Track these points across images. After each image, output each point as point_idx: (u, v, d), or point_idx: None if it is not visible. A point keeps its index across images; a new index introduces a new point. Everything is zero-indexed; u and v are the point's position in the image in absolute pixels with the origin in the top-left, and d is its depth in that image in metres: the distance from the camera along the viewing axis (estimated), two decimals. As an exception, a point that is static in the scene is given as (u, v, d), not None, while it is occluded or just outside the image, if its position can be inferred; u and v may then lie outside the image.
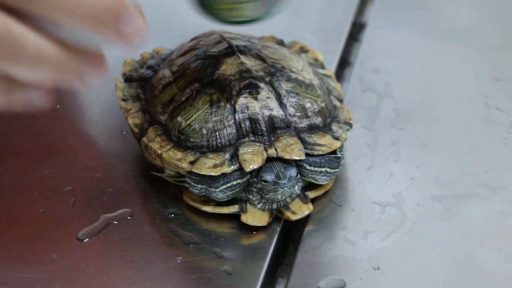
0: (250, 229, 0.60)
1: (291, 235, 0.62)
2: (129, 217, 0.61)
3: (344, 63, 0.83)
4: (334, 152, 0.61)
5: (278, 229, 0.60)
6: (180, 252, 0.58)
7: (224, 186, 0.59)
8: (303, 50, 0.71)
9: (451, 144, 0.69)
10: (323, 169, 0.60)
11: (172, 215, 0.61)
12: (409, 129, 0.71)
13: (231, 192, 0.59)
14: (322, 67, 0.71)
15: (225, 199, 0.60)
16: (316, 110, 0.62)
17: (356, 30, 0.88)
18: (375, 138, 0.69)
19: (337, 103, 0.66)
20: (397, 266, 0.57)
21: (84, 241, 0.58)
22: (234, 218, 0.60)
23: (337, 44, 0.82)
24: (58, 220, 0.60)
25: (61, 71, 0.47)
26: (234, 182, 0.59)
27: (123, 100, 0.65)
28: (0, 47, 0.44)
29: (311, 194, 0.62)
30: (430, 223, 0.61)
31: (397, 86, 0.76)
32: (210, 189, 0.59)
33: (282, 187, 0.57)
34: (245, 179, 0.59)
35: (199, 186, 0.59)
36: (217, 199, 0.60)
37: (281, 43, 0.72)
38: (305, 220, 0.61)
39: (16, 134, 0.69)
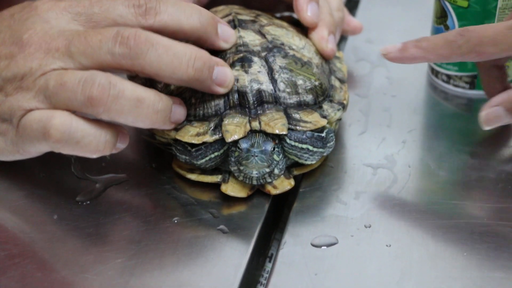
0: (245, 192, 0.61)
1: (286, 200, 0.64)
2: (127, 181, 0.62)
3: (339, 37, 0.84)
4: (321, 131, 0.61)
5: (273, 191, 0.62)
6: (177, 213, 0.59)
7: (204, 160, 0.60)
8: None
9: (441, 110, 0.71)
10: (304, 146, 0.60)
11: (169, 179, 0.62)
12: (401, 96, 0.72)
13: (213, 163, 0.60)
14: None
15: (210, 168, 0.61)
16: (308, 87, 0.62)
17: (351, 6, 0.90)
18: (368, 105, 0.71)
19: (337, 84, 0.66)
20: (387, 223, 0.59)
21: (84, 203, 0.60)
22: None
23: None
24: (58, 184, 0.62)
25: (155, 111, 0.56)
26: (212, 155, 0.60)
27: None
28: (105, 95, 0.54)
29: (296, 171, 0.62)
30: (420, 184, 0.62)
31: (390, 56, 0.77)
32: (192, 161, 0.60)
33: (253, 156, 0.58)
34: (222, 150, 0.60)
35: (183, 156, 0.61)
36: (202, 168, 0.61)
37: (296, 23, 0.71)
38: (298, 182, 0.63)
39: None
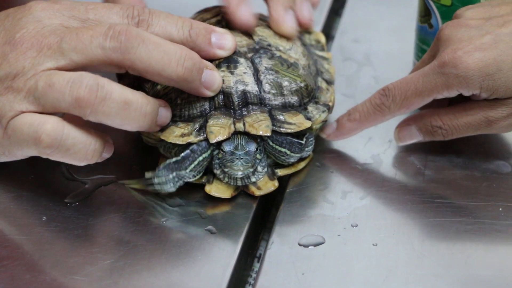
0: (233, 192, 0.62)
1: (274, 200, 0.64)
2: (116, 182, 0.63)
3: (326, 37, 0.84)
4: (302, 136, 0.62)
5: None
6: (165, 213, 0.60)
7: (193, 165, 0.60)
8: (307, 31, 0.71)
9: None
10: (283, 150, 0.61)
11: (157, 180, 0.63)
12: (387, 95, 0.72)
13: (201, 168, 0.60)
14: (322, 49, 0.71)
15: (197, 177, 0.60)
16: (293, 89, 0.62)
17: (338, 5, 0.90)
18: (354, 104, 0.70)
19: (323, 85, 0.66)
20: (374, 223, 0.59)
21: (73, 205, 0.60)
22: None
23: (319, 17, 0.84)
24: (47, 185, 0.62)
25: (142, 114, 0.56)
26: (200, 158, 0.60)
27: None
28: (93, 96, 0.54)
29: (280, 172, 0.63)
30: (406, 183, 0.63)
31: (376, 55, 0.78)
32: (180, 172, 0.59)
33: (238, 158, 0.58)
34: (209, 151, 0.60)
35: (171, 176, 0.59)
36: (190, 181, 0.60)
37: None
38: (286, 182, 0.63)
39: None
